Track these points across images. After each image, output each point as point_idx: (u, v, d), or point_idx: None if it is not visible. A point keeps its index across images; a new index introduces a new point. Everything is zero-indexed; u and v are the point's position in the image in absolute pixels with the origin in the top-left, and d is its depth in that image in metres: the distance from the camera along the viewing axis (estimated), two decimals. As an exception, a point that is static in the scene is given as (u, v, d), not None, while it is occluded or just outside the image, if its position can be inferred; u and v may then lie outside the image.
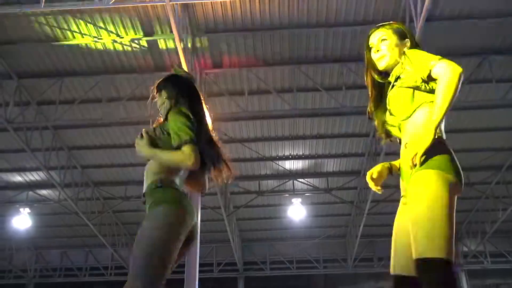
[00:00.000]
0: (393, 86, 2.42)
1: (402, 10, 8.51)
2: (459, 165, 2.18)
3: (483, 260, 16.99)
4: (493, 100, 10.03)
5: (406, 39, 2.52)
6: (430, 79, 2.30)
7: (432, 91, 2.28)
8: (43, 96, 10.31)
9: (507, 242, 16.98)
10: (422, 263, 1.99)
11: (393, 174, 2.57)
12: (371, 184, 2.53)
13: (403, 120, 2.36)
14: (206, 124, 2.74)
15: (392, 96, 2.39)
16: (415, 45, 2.53)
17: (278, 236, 17.48)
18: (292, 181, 13.71)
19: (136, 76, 10.01)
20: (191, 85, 2.89)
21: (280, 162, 12.99)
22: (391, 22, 2.62)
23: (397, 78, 2.42)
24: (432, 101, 2.22)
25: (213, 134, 2.79)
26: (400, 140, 2.47)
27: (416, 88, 2.31)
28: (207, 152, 2.65)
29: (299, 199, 14.24)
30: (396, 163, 2.56)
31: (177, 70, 2.96)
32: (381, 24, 2.60)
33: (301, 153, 12.76)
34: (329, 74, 10.16)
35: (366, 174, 2.57)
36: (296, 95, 10.20)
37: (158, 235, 2.28)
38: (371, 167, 2.62)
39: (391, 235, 2.32)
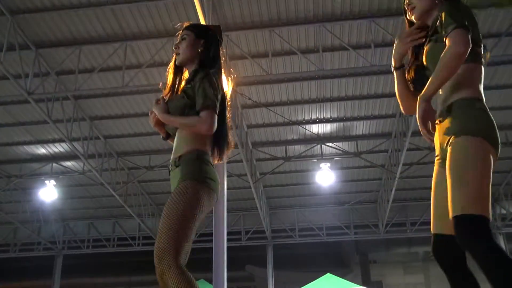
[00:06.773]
0: (430, 40, 2.42)
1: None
2: (496, 128, 2.18)
3: (521, 223, 16.49)
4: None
5: None
6: None
7: None
8: (62, 66, 10.13)
9: (546, 204, 16.43)
10: (458, 220, 2.02)
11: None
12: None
13: None
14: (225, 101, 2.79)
15: (428, 51, 2.40)
16: None
17: (307, 203, 17.27)
18: (320, 145, 13.39)
19: (155, 41, 9.69)
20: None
21: (307, 126, 12.64)
22: None
23: (435, 31, 2.39)
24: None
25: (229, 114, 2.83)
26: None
27: None
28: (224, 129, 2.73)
29: (328, 164, 13.91)
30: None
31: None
32: None
33: (328, 116, 12.38)
34: (357, 31, 9.71)
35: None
36: (322, 55, 9.77)
37: (184, 211, 2.36)
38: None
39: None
